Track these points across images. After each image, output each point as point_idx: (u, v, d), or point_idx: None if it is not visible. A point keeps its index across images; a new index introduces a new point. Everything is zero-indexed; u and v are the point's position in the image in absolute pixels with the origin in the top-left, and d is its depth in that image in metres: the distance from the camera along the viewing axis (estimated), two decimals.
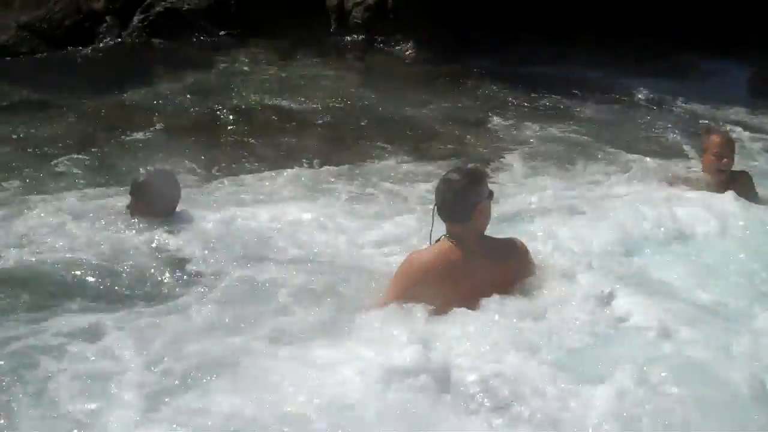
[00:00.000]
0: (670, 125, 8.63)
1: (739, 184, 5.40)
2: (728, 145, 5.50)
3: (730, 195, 5.05)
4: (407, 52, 10.93)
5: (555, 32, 10.15)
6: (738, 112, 9.25)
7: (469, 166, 3.78)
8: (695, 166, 6.65)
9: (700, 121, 8.84)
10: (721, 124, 8.38)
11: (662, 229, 4.69)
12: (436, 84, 9.87)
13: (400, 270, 3.63)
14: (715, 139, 5.53)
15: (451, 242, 3.59)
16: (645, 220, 4.81)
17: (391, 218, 5.32)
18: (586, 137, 7.96)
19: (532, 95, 9.47)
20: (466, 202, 3.55)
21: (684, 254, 4.44)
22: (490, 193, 3.66)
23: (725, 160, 5.41)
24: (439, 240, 3.64)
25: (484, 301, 3.47)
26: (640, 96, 9.70)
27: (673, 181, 5.69)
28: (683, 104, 9.51)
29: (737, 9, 10.21)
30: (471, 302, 3.47)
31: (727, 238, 4.61)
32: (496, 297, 3.48)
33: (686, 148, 7.73)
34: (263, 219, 5.02)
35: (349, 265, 4.28)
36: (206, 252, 4.40)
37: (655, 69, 9.71)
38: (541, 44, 10.10)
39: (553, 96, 9.49)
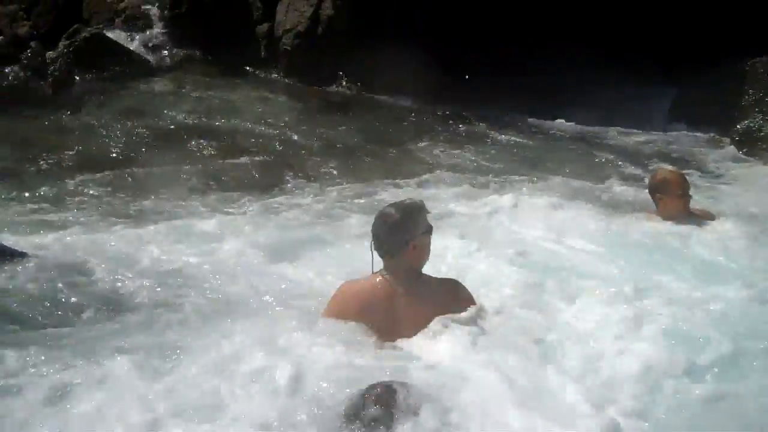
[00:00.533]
0: (592, 152, 8.77)
1: (698, 212, 5.51)
2: (686, 182, 5.51)
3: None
4: (335, 80, 10.99)
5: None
6: (657, 139, 9.46)
7: (408, 200, 3.60)
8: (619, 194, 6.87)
9: (616, 144, 9.09)
10: (656, 161, 8.49)
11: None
12: (359, 112, 9.95)
13: (332, 297, 3.60)
14: (674, 179, 5.50)
15: (384, 276, 3.53)
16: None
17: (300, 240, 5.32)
18: (500, 164, 8.08)
19: (448, 128, 9.59)
20: (399, 238, 3.46)
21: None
22: (429, 229, 3.55)
23: (687, 194, 5.43)
24: (376, 273, 3.57)
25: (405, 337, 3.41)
26: (559, 126, 9.94)
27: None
28: (604, 132, 9.69)
29: (660, 33, 10.38)
30: (392, 337, 3.43)
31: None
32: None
33: (607, 174, 7.80)
34: (140, 244, 4.94)
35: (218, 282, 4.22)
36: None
37: (575, 97, 9.82)
38: (457, 82, 10.15)
39: (470, 127, 9.66)
